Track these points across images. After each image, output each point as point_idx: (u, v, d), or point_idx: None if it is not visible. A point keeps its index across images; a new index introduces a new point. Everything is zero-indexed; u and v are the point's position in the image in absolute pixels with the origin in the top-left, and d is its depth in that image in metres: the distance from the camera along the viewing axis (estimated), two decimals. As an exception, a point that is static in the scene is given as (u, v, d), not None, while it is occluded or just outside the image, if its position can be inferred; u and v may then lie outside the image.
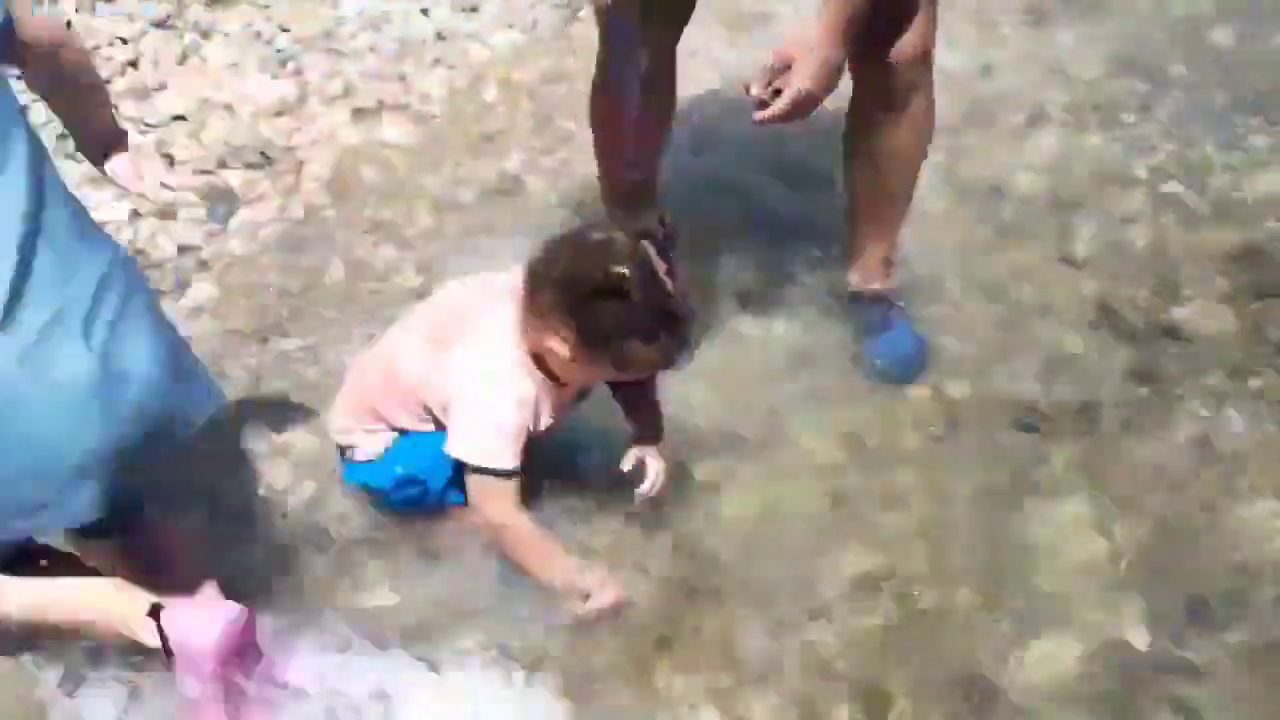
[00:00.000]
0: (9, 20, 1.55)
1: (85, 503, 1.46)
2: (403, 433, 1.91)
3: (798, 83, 1.86)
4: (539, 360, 1.81)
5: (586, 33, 2.79)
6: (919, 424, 2.24)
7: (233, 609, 1.62)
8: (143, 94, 3.12)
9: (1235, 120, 2.97)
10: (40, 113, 1.96)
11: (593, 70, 2.35)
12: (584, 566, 1.85)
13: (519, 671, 1.78)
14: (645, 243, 1.71)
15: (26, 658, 1.75)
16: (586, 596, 1.80)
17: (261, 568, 1.94)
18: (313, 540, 2.02)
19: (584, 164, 2.72)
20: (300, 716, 1.68)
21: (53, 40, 1.65)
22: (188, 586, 1.65)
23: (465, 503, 1.88)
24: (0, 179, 1.46)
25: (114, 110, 1.92)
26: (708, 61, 3.03)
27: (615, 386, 1.97)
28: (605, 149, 2.42)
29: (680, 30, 2.29)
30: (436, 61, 3.32)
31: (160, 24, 3.38)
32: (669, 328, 1.74)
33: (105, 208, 2.71)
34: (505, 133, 3.06)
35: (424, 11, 3.49)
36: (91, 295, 1.48)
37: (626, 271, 1.69)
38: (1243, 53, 3.24)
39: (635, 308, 1.70)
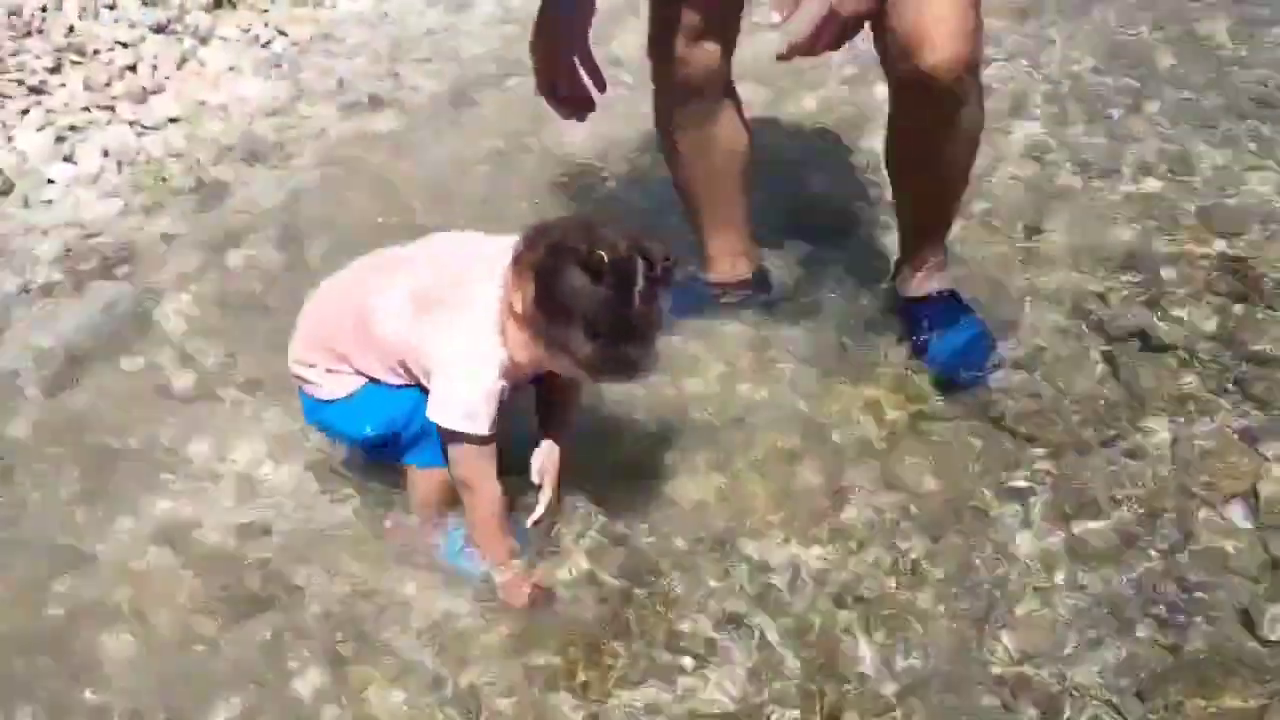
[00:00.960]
0: None
1: None
2: (369, 380, 1.89)
3: (822, 4, 1.75)
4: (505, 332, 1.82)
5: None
6: (884, 418, 2.23)
7: None
8: (140, 97, 3.22)
9: (1225, 119, 2.93)
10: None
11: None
12: (509, 564, 1.89)
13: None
14: (640, 258, 1.73)
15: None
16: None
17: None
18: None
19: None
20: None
21: None
22: None
23: (422, 464, 1.92)
24: None
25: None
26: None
27: (544, 388, 1.96)
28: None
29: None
30: (429, 59, 3.37)
31: (160, 29, 3.48)
32: (615, 337, 1.72)
33: (94, 205, 2.79)
34: (493, 127, 3.10)
35: (419, 13, 3.57)
36: None
37: (607, 258, 1.70)
38: (1236, 48, 3.21)
39: (596, 295, 1.70)
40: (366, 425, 1.89)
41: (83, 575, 1.99)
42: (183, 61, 3.36)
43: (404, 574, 1.97)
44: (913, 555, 1.97)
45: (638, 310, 1.72)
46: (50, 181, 2.90)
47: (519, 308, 1.76)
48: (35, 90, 3.20)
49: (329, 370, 1.89)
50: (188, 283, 2.60)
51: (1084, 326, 2.37)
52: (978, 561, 1.95)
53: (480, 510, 1.87)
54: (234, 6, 3.57)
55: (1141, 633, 1.82)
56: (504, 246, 1.82)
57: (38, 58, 3.29)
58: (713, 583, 1.94)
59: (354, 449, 2.08)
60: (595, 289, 1.70)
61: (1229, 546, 1.93)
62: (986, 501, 2.05)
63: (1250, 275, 2.42)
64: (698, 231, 2.40)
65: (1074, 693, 1.75)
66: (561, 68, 2.01)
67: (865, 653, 1.84)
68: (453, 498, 1.96)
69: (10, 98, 3.16)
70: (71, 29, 3.43)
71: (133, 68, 3.31)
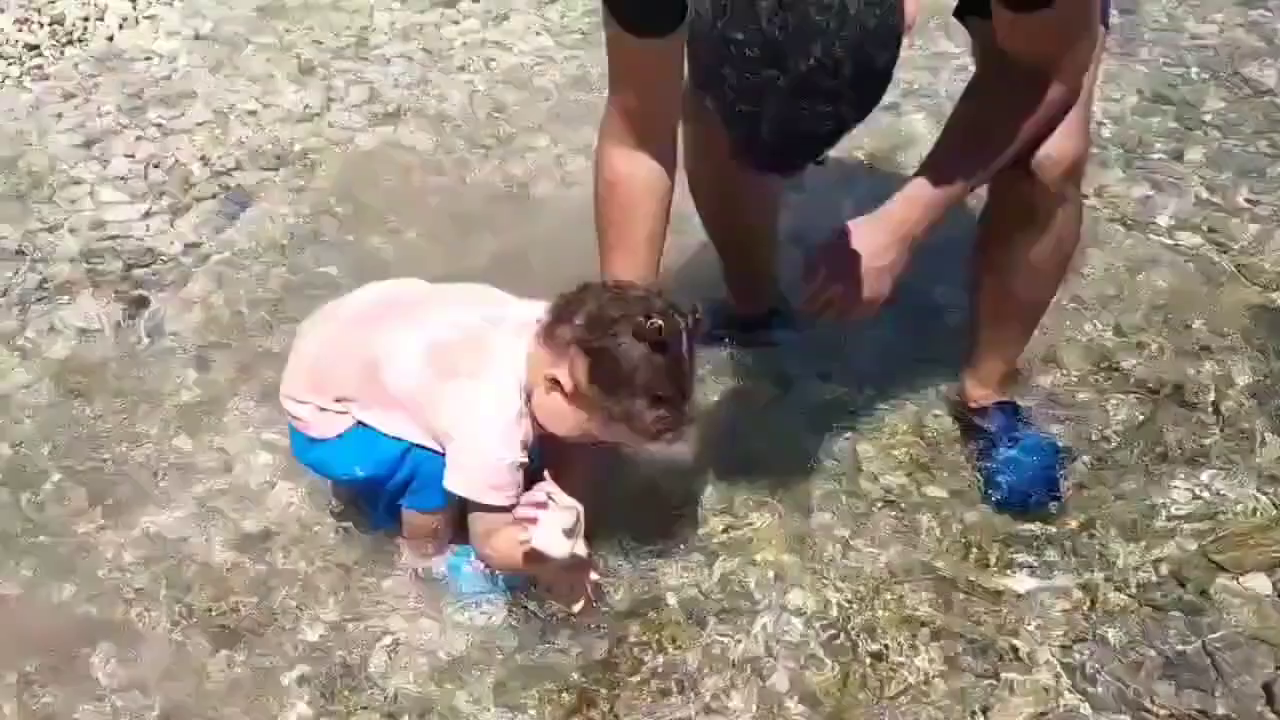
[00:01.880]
0: None
1: None
2: (360, 423, 1.86)
3: (841, 278, 1.77)
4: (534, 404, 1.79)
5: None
6: (901, 459, 2.18)
7: None
8: (173, 102, 3.22)
9: (1271, 167, 2.85)
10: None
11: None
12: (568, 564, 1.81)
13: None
14: (678, 316, 1.72)
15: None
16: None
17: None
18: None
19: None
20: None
21: None
22: None
23: (418, 508, 1.90)
24: None
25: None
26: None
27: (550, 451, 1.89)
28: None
29: None
30: (461, 68, 3.35)
31: (198, 37, 3.49)
32: (674, 403, 1.73)
33: (119, 208, 2.79)
34: (519, 139, 3.07)
35: (454, 21, 3.54)
36: None
37: (664, 324, 1.69)
38: (1284, 92, 3.13)
39: (658, 365, 1.69)
40: (355, 466, 1.86)
41: (81, 587, 1.97)
42: (217, 67, 3.36)
43: (404, 601, 1.94)
44: (921, 613, 1.91)
45: (689, 370, 1.73)
46: (77, 182, 2.90)
47: (568, 385, 1.73)
48: (69, 95, 3.22)
49: (321, 409, 1.86)
50: (205, 291, 2.58)
51: (1112, 377, 2.31)
52: (988, 620, 1.90)
53: (512, 561, 1.82)
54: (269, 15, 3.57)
55: (1162, 699, 1.77)
56: (527, 313, 1.80)
57: (76, 66, 3.31)
58: (718, 625, 1.90)
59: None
60: (654, 358, 1.68)
61: (1252, 615, 1.87)
62: (1003, 560, 1.99)
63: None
64: (725, 265, 2.38)
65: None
66: None
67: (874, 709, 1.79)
68: (448, 533, 1.95)
69: (46, 102, 3.19)
70: (111, 39, 3.45)
71: (168, 76, 3.33)
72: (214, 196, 2.85)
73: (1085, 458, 2.15)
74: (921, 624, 1.89)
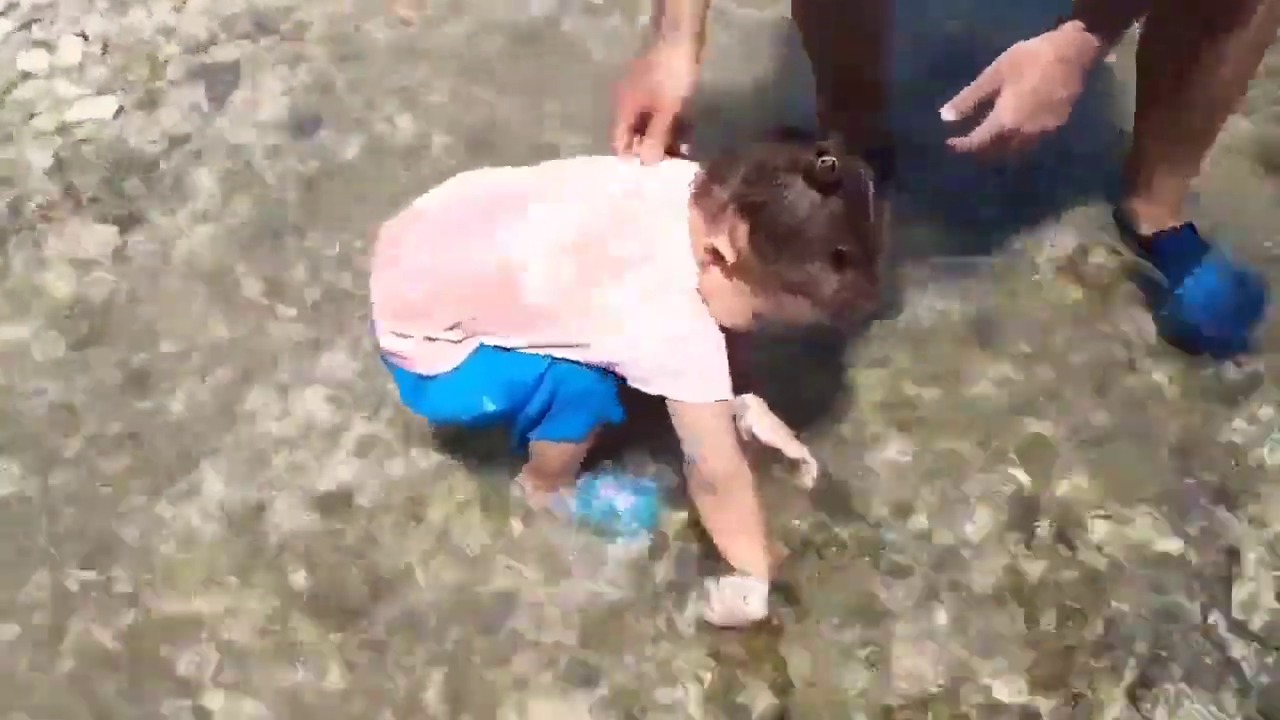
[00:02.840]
0: None
1: None
2: (480, 344, 1.51)
3: (1005, 116, 1.46)
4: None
5: None
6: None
7: None
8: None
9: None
10: None
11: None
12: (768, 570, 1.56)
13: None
14: (862, 160, 1.39)
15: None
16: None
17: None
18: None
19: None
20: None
21: None
22: None
23: (556, 437, 1.60)
24: None
25: None
26: None
27: None
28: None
29: None
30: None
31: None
32: (866, 259, 1.39)
33: (85, 103, 2.36)
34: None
35: None
36: None
37: (837, 161, 1.34)
38: None
39: (837, 213, 1.36)
40: (484, 398, 1.52)
41: (138, 577, 1.68)
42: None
43: (529, 551, 1.67)
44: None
45: (876, 218, 1.40)
46: (26, 75, 2.44)
47: (730, 255, 1.40)
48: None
49: (430, 339, 1.50)
50: (209, 195, 2.19)
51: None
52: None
53: (746, 499, 1.53)
54: None
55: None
56: (670, 179, 1.46)
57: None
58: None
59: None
60: (831, 206, 1.36)
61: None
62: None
63: None
64: (828, 98, 2.02)
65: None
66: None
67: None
68: (577, 467, 1.67)
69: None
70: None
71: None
72: (191, 79, 2.41)
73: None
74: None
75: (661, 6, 1.50)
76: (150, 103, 2.36)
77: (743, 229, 1.39)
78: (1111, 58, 1.66)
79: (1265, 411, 1.76)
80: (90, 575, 1.68)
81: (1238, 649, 1.54)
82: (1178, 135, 1.80)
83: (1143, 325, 1.88)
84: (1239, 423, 1.76)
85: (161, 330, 1.98)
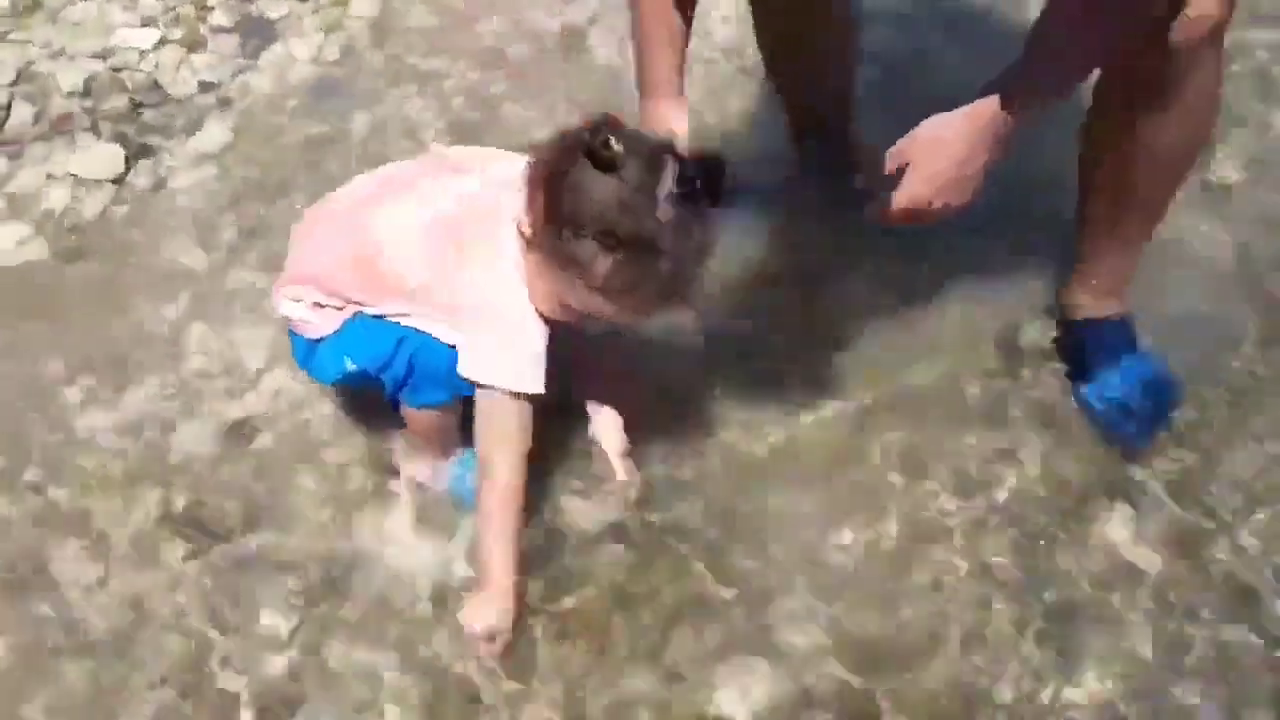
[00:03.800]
0: None
1: None
2: (358, 312, 1.64)
3: (903, 198, 1.48)
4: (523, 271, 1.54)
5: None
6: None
7: None
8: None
9: None
10: None
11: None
12: (504, 580, 1.60)
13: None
14: (670, 156, 1.40)
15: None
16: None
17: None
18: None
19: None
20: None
21: None
22: None
23: (419, 404, 1.69)
24: None
25: None
26: None
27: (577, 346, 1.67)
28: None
29: None
30: None
31: None
32: (636, 247, 1.39)
33: (129, 31, 2.53)
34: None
35: None
36: None
37: (620, 148, 1.38)
38: None
39: (608, 190, 1.37)
40: (346, 358, 1.65)
41: (54, 469, 1.84)
42: None
43: (390, 516, 1.78)
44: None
45: (664, 213, 1.38)
46: (82, -2, 2.62)
47: (527, 228, 1.46)
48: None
49: (319, 305, 1.64)
50: (218, 143, 2.34)
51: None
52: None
53: (500, 489, 1.58)
54: None
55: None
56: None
57: None
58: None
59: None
60: (608, 183, 1.38)
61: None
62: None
63: None
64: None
65: None
66: None
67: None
68: (452, 438, 1.75)
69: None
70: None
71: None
72: (234, 29, 2.58)
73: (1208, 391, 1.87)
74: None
75: (640, 70, 1.61)
76: (190, 44, 2.53)
77: (539, 202, 1.43)
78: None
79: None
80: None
81: None
82: (1117, 219, 1.80)
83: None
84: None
85: (138, 254, 2.14)
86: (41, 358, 1.97)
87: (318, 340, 1.65)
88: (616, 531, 1.75)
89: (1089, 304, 1.90)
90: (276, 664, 1.63)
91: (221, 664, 1.63)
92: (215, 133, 2.36)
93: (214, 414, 1.90)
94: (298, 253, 1.68)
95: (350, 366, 1.65)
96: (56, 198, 2.22)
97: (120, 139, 2.32)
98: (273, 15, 2.62)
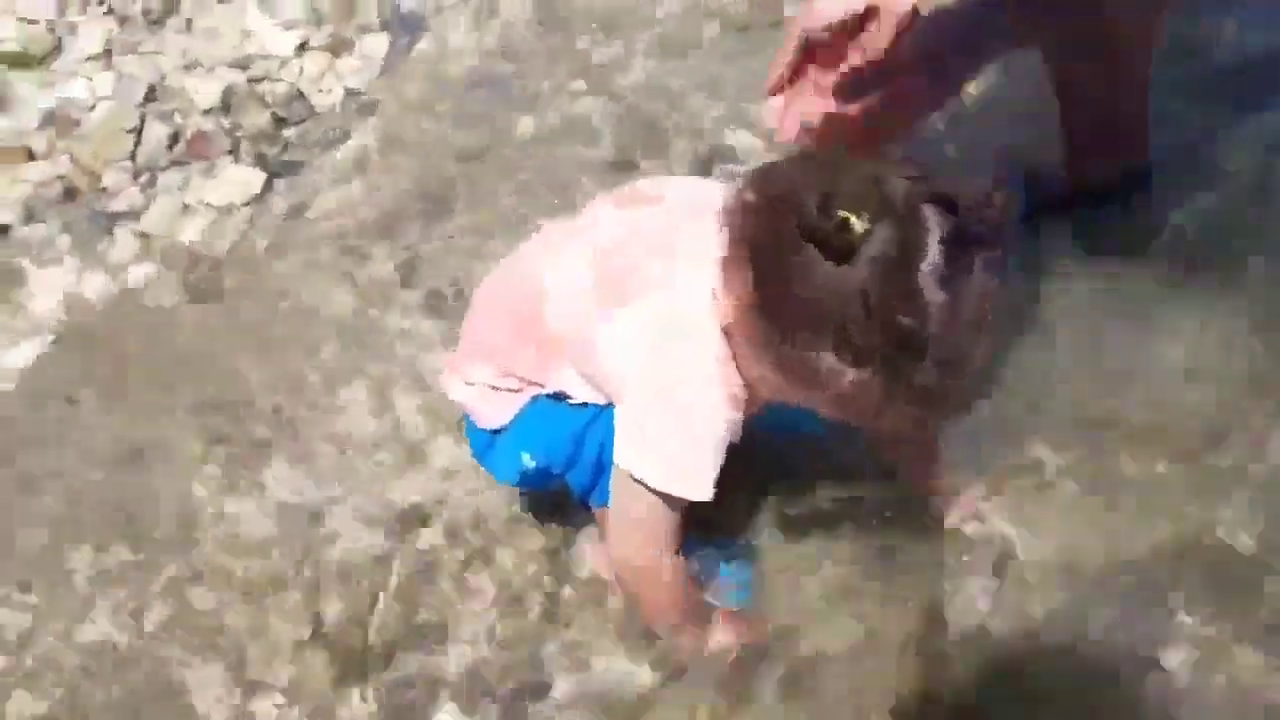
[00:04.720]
0: None
1: None
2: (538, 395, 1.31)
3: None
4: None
5: None
6: None
7: None
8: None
9: None
10: None
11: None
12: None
13: None
14: (929, 206, 1.01)
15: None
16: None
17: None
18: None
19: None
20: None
21: None
22: None
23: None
24: None
25: None
26: None
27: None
28: None
29: None
30: None
31: None
32: (892, 360, 1.02)
33: (268, 37, 2.26)
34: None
35: None
36: None
37: (860, 225, 1.00)
38: None
39: (850, 288, 1.00)
40: (523, 453, 1.33)
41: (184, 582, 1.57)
42: None
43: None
44: None
45: (931, 296, 1.00)
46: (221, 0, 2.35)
47: (730, 311, 1.10)
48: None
49: (492, 388, 1.31)
50: (360, 158, 2.05)
51: None
52: None
53: (661, 597, 1.30)
54: None
55: None
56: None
57: None
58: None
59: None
60: (846, 277, 1.00)
61: None
62: None
63: None
64: None
65: None
66: None
67: None
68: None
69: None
70: None
71: None
72: (382, 27, 2.27)
73: None
74: None
75: None
76: (334, 47, 2.23)
77: (746, 279, 1.07)
78: None
79: None
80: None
81: None
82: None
83: None
84: None
85: (281, 295, 1.86)
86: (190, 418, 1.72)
87: (496, 432, 1.34)
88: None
89: None
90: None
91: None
92: (359, 147, 2.07)
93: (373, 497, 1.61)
94: (470, 324, 1.37)
95: (529, 464, 1.33)
96: (191, 229, 1.96)
97: (259, 160, 2.05)
98: (420, 10, 2.30)
